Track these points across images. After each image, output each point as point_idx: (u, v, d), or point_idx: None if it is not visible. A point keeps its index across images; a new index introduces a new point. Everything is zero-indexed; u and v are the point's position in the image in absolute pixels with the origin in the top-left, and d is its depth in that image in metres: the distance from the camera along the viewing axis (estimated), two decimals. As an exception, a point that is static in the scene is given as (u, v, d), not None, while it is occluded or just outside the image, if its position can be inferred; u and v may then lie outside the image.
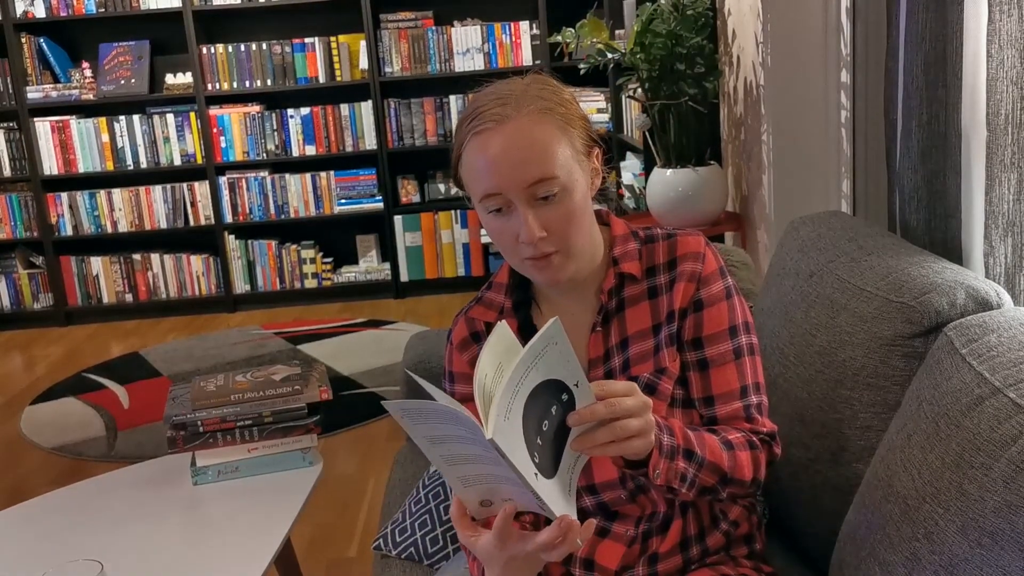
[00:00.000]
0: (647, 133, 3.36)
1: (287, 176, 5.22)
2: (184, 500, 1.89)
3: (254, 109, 5.14)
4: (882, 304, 1.29)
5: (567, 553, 1.02)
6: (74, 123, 5.13)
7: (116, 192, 5.21)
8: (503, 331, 1.03)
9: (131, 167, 5.19)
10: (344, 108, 5.17)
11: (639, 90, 3.30)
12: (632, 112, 4.27)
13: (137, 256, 5.28)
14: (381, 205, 5.23)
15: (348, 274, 5.35)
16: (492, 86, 1.20)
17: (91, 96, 5.11)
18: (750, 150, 3.20)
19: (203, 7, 5.01)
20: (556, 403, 0.99)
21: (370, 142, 5.19)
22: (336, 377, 4.00)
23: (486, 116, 1.15)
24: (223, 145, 5.17)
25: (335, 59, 5.13)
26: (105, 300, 5.30)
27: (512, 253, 1.20)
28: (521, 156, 1.13)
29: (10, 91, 5.07)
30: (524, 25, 5.11)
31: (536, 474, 0.96)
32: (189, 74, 5.11)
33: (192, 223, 5.24)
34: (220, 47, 5.09)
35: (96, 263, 5.27)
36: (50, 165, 5.16)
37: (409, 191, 5.33)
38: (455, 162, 1.20)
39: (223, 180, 5.21)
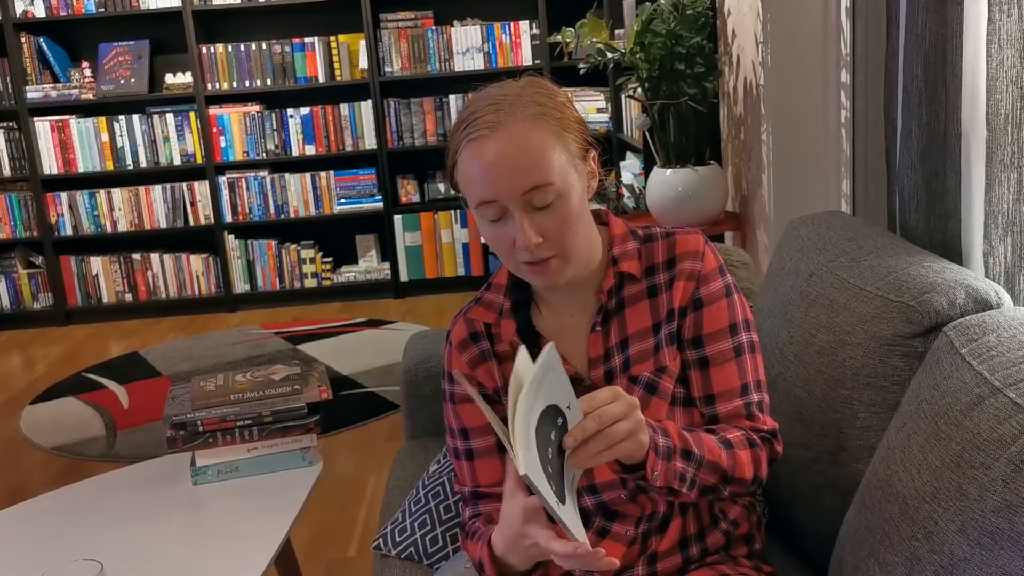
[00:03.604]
0: (647, 133, 3.36)
1: (287, 176, 5.22)
2: (184, 500, 1.89)
3: (254, 109, 5.14)
4: (882, 304, 1.29)
5: (571, 568, 1.04)
6: (74, 123, 5.13)
7: (116, 192, 5.21)
8: (522, 355, 1.04)
9: (131, 167, 5.19)
10: (344, 108, 5.17)
11: (639, 90, 3.30)
12: (632, 112, 4.27)
13: (137, 256, 5.28)
14: (381, 205, 5.23)
15: (348, 274, 5.34)
16: (486, 90, 1.19)
17: (91, 96, 5.11)
18: (750, 150, 3.20)
19: (203, 7, 5.01)
20: (554, 429, 1.01)
21: (370, 142, 5.19)
22: (336, 377, 4.00)
23: (480, 123, 1.14)
24: (223, 145, 5.17)
25: (335, 59, 5.13)
26: (105, 300, 5.30)
27: (509, 258, 1.20)
28: (516, 164, 1.13)
29: (10, 91, 5.07)
30: (524, 25, 5.11)
31: (557, 502, 0.98)
32: (189, 74, 5.11)
33: (192, 223, 5.24)
34: (220, 47, 5.09)
35: (96, 263, 5.27)
36: (50, 165, 5.16)
37: (409, 191, 5.33)
38: (450, 168, 1.20)
39: (223, 180, 5.20)
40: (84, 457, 3.41)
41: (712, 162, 3.25)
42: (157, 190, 5.21)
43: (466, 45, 5.12)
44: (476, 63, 5.13)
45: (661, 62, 3.12)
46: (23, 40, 5.07)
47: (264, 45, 5.11)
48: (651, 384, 1.23)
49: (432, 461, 1.79)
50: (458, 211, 5.24)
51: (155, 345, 4.75)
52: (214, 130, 5.14)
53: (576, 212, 1.17)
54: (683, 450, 1.11)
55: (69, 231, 5.22)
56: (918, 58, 1.53)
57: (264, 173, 5.21)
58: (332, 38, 5.14)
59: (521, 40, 5.12)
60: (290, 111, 5.17)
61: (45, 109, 5.15)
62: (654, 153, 3.35)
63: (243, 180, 5.20)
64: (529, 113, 1.15)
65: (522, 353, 1.03)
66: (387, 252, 5.33)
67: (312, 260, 5.31)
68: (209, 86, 5.10)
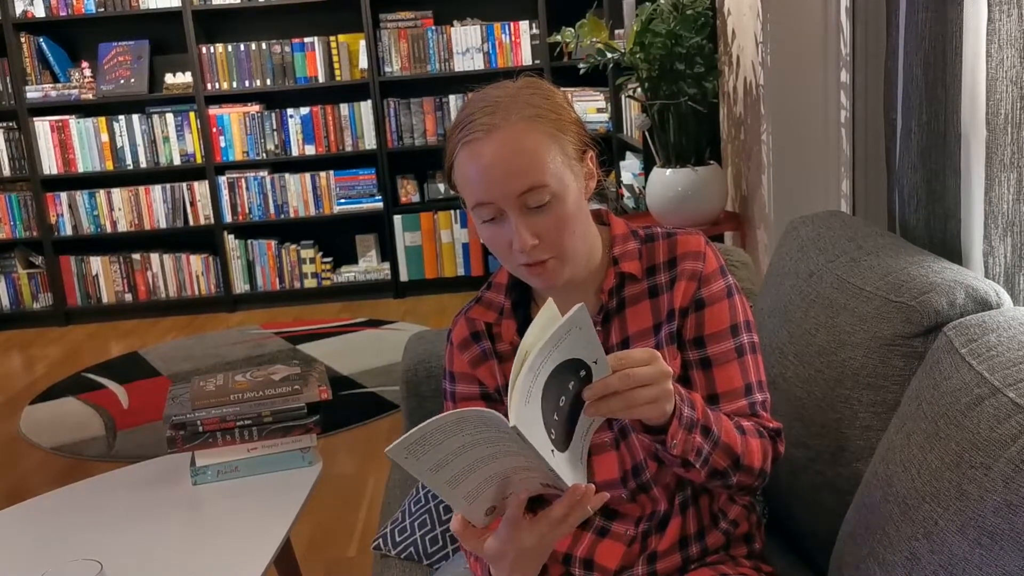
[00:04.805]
0: (647, 133, 3.36)
1: (287, 176, 5.22)
2: (184, 500, 1.89)
3: (253, 109, 5.14)
4: (882, 304, 1.29)
5: (581, 520, 1.02)
6: (73, 123, 5.13)
7: (116, 192, 5.21)
8: (550, 308, 1.03)
9: (131, 167, 5.19)
10: (344, 108, 5.17)
11: (639, 90, 3.30)
12: (632, 112, 4.27)
13: (137, 256, 5.28)
14: (381, 205, 5.23)
15: (348, 274, 5.35)
16: (482, 92, 1.20)
17: (90, 96, 5.11)
18: (750, 150, 3.20)
19: (202, 7, 5.01)
20: (574, 379, 1.00)
21: (370, 142, 5.19)
22: (336, 377, 4.00)
23: (475, 125, 1.15)
24: (222, 145, 5.17)
25: (335, 59, 5.13)
26: (105, 300, 5.30)
27: (507, 259, 1.20)
28: (511, 166, 1.13)
29: (9, 91, 5.07)
30: (524, 25, 5.11)
31: (553, 451, 0.97)
32: (188, 74, 5.11)
33: (192, 223, 5.24)
34: (219, 47, 5.09)
35: (96, 263, 5.27)
36: (49, 165, 5.16)
37: (409, 191, 5.33)
38: (448, 169, 1.21)
39: (222, 180, 5.20)
40: (84, 457, 3.41)
41: (712, 162, 3.25)
42: (157, 190, 5.21)
43: (466, 45, 5.12)
44: (476, 63, 5.13)
45: (661, 62, 3.12)
46: (23, 40, 5.07)
47: (264, 45, 5.11)
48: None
49: (432, 461, 1.79)
50: (458, 211, 5.24)
51: (155, 345, 4.75)
52: (214, 130, 5.14)
53: (572, 213, 1.17)
54: (703, 426, 1.11)
55: (69, 231, 5.22)
56: (918, 58, 1.53)
57: (264, 173, 5.21)
58: (332, 38, 5.14)
59: (521, 40, 5.12)
60: (290, 111, 5.17)
61: (45, 109, 5.15)
62: (654, 153, 3.35)
63: (243, 180, 5.20)
64: (524, 115, 1.15)
65: (550, 306, 1.02)
66: (387, 252, 5.33)
67: (312, 260, 5.31)
68: (209, 86, 5.10)
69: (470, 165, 1.15)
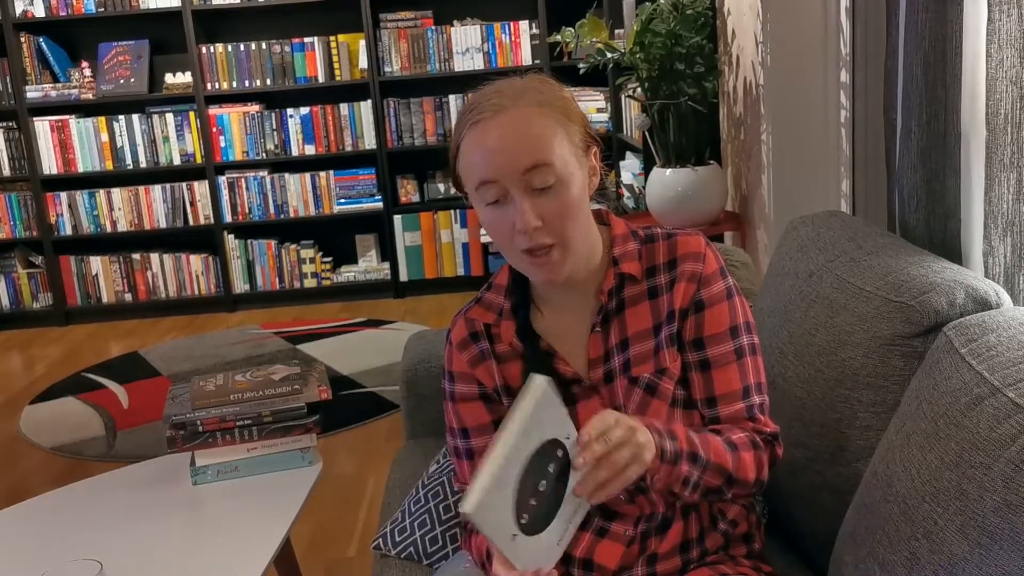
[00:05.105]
0: (646, 133, 3.36)
1: (286, 176, 5.22)
2: (184, 500, 1.89)
3: (253, 109, 5.14)
4: (882, 304, 1.29)
5: None
6: (73, 123, 5.13)
7: (115, 192, 5.21)
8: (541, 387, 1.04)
9: (130, 167, 5.19)
10: (343, 108, 5.17)
11: (638, 90, 3.30)
12: (632, 112, 4.27)
13: (136, 256, 5.28)
14: (380, 205, 5.23)
15: (347, 274, 5.34)
16: (491, 83, 1.21)
17: (90, 96, 5.11)
18: (749, 150, 3.20)
19: (202, 6, 5.01)
20: (553, 461, 1.02)
21: (369, 142, 5.19)
22: (336, 377, 4.00)
23: (484, 106, 1.16)
24: (222, 145, 5.17)
25: (334, 59, 5.13)
26: (104, 300, 5.30)
27: (509, 246, 1.19)
28: (517, 144, 1.14)
29: (9, 91, 5.07)
30: (524, 25, 5.11)
31: (515, 535, 1.00)
32: (188, 73, 5.11)
33: (191, 223, 5.24)
34: (219, 46, 5.09)
35: (95, 263, 5.27)
36: (49, 165, 5.15)
37: (408, 191, 5.33)
38: (453, 157, 1.21)
39: (222, 180, 5.20)
40: (84, 457, 3.41)
41: (712, 162, 3.25)
42: (157, 190, 5.21)
43: (466, 45, 5.12)
44: (476, 63, 5.13)
45: (661, 62, 3.12)
46: (23, 40, 5.07)
47: (264, 45, 5.11)
48: (651, 385, 1.23)
49: (432, 461, 1.79)
50: (458, 211, 5.24)
51: (155, 345, 4.75)
52: (214, 130, 5.14)
53: (576, 201, 1.17)
54: (690, 453, 1.12)
55: (69, 231, 5.22)
56: (918, 58, 1.53)
57: (264, 173, 5.21)
58: (332, 38, 5.13)
59: (521, 40, 5.12)
60: (290, 111, 5.17)
61: (45, 109, 5.14)
62: (654, 153, 3.35)
63: (243, 180, 5.20)
64: (533, 101, 1.16)
65: (540, 385, 1.03)
66: (387, 252, 5.33)
67: (312, 260, 5.31)
68: (209, 86, 5.10)
69: (476, 145, 1.15)
